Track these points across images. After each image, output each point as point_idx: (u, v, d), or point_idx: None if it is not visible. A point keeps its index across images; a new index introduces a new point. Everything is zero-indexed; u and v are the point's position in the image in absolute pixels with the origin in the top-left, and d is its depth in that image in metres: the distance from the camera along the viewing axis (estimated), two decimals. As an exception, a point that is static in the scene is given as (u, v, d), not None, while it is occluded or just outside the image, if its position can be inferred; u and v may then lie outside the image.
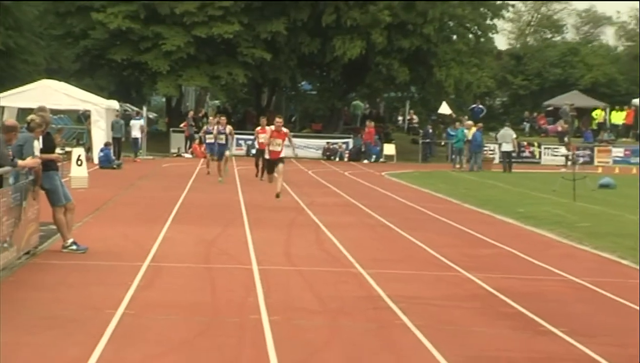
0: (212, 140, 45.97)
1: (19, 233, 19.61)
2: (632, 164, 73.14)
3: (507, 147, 65.80)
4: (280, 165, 33.86)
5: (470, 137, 65.15)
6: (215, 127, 46.35)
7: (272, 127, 34.99)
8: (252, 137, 59.51)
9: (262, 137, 45.19)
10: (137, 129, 63.52)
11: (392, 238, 26.57)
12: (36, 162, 20.46)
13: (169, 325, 14.53)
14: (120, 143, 59.96)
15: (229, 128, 46.38)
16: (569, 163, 69.45)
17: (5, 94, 57.20)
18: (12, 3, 72.39)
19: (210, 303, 16.34)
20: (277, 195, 33.62)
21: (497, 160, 68.23)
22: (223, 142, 45.49)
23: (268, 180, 35.40)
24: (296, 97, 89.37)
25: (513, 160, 65.48)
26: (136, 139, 63.16)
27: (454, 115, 73.81)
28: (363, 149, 73.85)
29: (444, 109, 77.43)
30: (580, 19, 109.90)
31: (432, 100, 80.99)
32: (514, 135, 69.05)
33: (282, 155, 34.04)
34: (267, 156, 34.79)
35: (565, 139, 76.55)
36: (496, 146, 69.44)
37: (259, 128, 47.02)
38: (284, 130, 34.29)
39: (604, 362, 13.07)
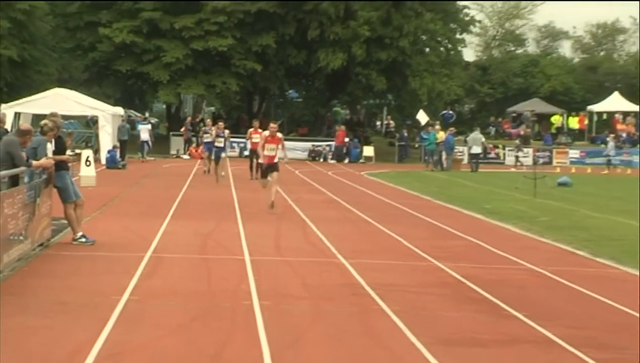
0: (210, 140, 46.10)
1: (33, 227, 19.65)
2: (587, 165, 73.23)
3: (476, 150, 65.93)
4: (275, 174, 30.82)
5: (440, 140, 65.45)
6: (214, 130, 45.95)
7: (267, 132, 31.98)
8: (244, 140, 59.62)
9: (255, 138, 44.81)
10: (145, 132, 63.59)
11: (370, 231, 26.60)
12: (49, 163, 20.53)
13: (169, 310, 14.54)
14: (126, 145, 59.92)
15: (227, 132, 46.08)
16: (518, 163, 70.00)
17: (20, 101, 57.26)
18: (27, 19, 72.34)
19: (206, 290, 16.36)
20: (272, 205, 30.18)
21: (465, 161, 68.23)
22: (221, 145, 44.83)
23: (262, 185, 32.19)
24: (284, 104, 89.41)
25: (480, 161, 65.57)
26: (144, 141, 63.21)
27: (430, 122, 73.76)
28: (345, 151, 73.94)
29: (421, 116, 77.34)
30: (540, 34, 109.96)
31: (407, 106, 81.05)
32: (483, 139, 69.27)
33: (276, 159, 31.17)
34: (261, 161, 32.22)
35: (517, 142, 76.79)
36: (465, 148, 69.41)
37: (251, 129, 46.91)
38: (279, 135, 31.73)
39: (562, 342, 13.10)
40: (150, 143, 63.69)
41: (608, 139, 75.53)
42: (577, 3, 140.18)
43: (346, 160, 71.95)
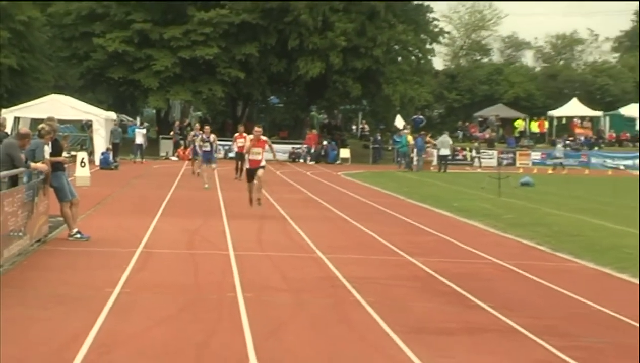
0: (208, 149, 45.67)
1: (32, 224, 19.66)
2: (548, 166, 73.40)
3: (445, 152, 66.12)
4: (260, 171, 28.92)
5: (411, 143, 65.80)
6: (200, 135, 43.99)
7: (252, 136, 29.78)
8: (229, 143, 59.71)
9: (240, 142, 45.53)
10: (140, 136, 63.64)
11: (347, 228, 26.62)
12: (46, 168, 20.53)
13: (158, 301, 14.54)
14: (118, 147, 59.89)
15: (212, 136, 42.98)
16: (475, 163, 70.16)
17: (20, 106, 57.26)
18: (26, 30, 72.33)
19: (193, 283, 16.36)
20: (258, 201, 29.08)
21: (434, 162, 68.37)
22: (208, 149, 41.98)
23: (248, 190, 29.56)
24: (266, 109, 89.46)
25: (448, 162, 65.69)
26: (140, 144, 63.25)
27: (407, 127, 73.83)
28: (323, 153, 74.00)
29: (398, 121, 77.41)
30: (504, 44, 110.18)
31: (381, 111, 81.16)
32: (451, 142, 69.49)
33: (262, 163, 29.00)
34: (247, 166, 29.85)
35: (476, 144, 76.91)
36: (434, 150, 69.52)
37: (237, 134, 47.01)
38: (263, 138, 29.41)
39: (524, 331, 13.14)
40: (144, 146, 63.76)
41: (557, 141, 75.81)
42: (538, 16, 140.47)
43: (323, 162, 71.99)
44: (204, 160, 42.27)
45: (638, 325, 13.82)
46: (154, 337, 12.14)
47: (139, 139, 63.41)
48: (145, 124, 78.33)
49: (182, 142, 70.15)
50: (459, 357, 11.63)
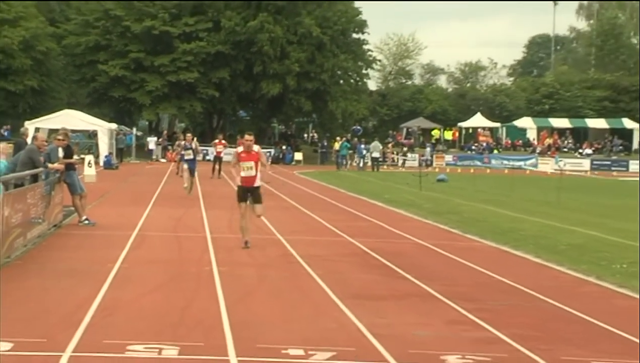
0: (191, 157, 43.75)
1: (49, 212, 19.65)
2: (458, 166, 73.78)
3: (376, 154, 66.32)
4: (259, 207, 18.47)
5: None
6: (183, 143, 35.33)
7: (240, 148, 19.09)
8: (208, 147, 59.65)
9: (219, 148, 46.33)
10: (152, 143, 63.73)
11: (300, 216, 26.61)
12: (61, 167, 20.54)
13: (150, 274, 14.48)
14: (123, 151, 60.07)
15: (194, 143, 33.55)
16: (399, 164, 70.32)
17: (39, 119, 56.96)
18: (45, 58, 72.19)
19: (178, 259, 16.31)
20: (246, 243, 18.17)
21: (369, 163, 68.56)
22: (191, 157, 32.57)
23: (240, 214, 18.39)
24: (236, 121, 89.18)
25: (380, 163, 65.86)
26: (151, 149, 63.18)
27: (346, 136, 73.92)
28: (281, 156, 73.93)
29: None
30: (423, 70, 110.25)
31: (327, 123, 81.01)
32: (381, 147, 69.74)
33: (257, 183, 18.32)
34: (239, 183, 18.37)
35: (404, 149, 77.00)
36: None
37: (216, 141, 47.34)
38: (256, 149, 18.57)
39: (440, 296, 13.17)
40: (154, 151, 63.62)
41: (427, 145, 76.12)
42: (450, 47, 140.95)
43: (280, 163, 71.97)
44: (189, 170, 32.16)
45: (531, 290, 13.90)
46: (147, 302, 12.09)
47: (152, 145, 63.54)
48: (140, 132, 77.99)
49: (169, 147, 69.96)
50: (389, 317, 11.64)
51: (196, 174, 32.78)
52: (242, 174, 18.21)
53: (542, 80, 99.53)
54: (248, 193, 18.31)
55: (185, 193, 31.08)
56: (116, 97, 74.53)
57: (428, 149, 75.08)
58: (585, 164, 77.75)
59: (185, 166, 32.22)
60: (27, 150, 19.56)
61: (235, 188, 18.71)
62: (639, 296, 13.62)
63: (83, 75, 75.53)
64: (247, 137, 19.06)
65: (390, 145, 78.59)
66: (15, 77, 70.31)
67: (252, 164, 18.26)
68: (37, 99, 72.26)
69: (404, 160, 72.97)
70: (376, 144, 68.37)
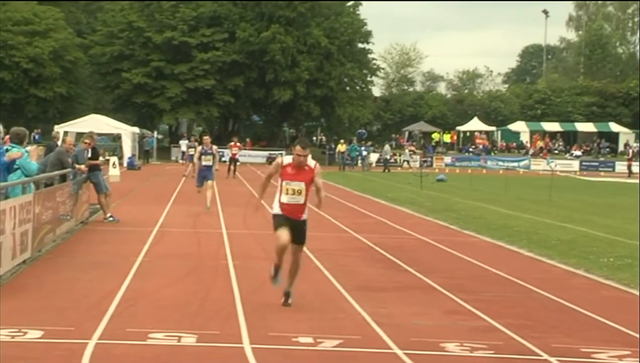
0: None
1: (77, 210, 19.73)
2: (456, 166, 73.69)
3: (387, 156, 66.35)
4: (298, 251, 11.96)
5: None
6: (201, 147, 27.16)
7: (287, 159, 12.24)
8: (223, 149, 59.55)
9: (234, 150, 46.82)
10: (184, 146, 63.71)
11: (309, 212, 26.55)
12: (85, 169, 20.63)
13: (170, 267, 14.49)
14: (149, 153, 60.56)
15: (214, 148, 26.16)
16: (406, 164, 70.29)
17: (68, 123, 56.96)
18: (73, 67, 72.52)
19: (196, 253, 16.31)
20: (286, 299, 11.51)
21: (373, 164, 68.56)
22: (209, 163, 25.57)
23: (276, 250, 11.72)
24: (249, 125, 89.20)
25: (390, 165, 65.93)
26: (184, 151, 63.20)
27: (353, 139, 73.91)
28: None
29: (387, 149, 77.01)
30: (424, 77, 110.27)
31: (334, 127, 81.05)
32: (391, 151, 70.01)
33: (304, 215, 12.35)
34: (278, 210, 12.08)
35: (406, 151, 76.83)
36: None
37: (232, 143, 47.50)
38: (311, 164, 12.10)
39: (440, 288, 13.16)
40: (186, 154, 63.42)
41: (386, 144, 75.90)
42: (449, 57, 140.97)
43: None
44: (200, 177, 25.80)
45: (524, 282, 13.88)
46: (167, 293, 12.10)
47: (184, 148, 63.64)
48: (161, 135, 78.03)
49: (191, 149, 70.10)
50: (392, 307, 11.63)
51: (214, 182, 26.22)
52: (285, 199, 12.05)
53: (535, 87, 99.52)
54: (291, 227, 11.83)
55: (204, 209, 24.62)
56: (139, 102, 74.77)
57: (406, 152, 74.50)
58: (575, 165, 77.60)
59: (199, 185, 25.53)
60: (56, 152, 19.62)
61: (257, 196, 13.34)
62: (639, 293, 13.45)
63: (108, 82, 75.81)
64: (299, 148, 11.84)
65: (409, 148, 78.27)
66: (46, 84, 70.65)
67: (302, 186, 12.10)
68: (65, 104, 72.58)
69: (407, 161, 72.85)
70: (387, 148, 68.71)
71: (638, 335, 10.29)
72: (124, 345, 9.06)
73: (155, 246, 17.13)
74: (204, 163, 25.52)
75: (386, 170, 63.30)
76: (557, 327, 10.75)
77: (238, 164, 48.87)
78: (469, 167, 72.13)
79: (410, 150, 76.15)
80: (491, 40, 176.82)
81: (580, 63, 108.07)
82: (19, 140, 14.67)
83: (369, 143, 73.35)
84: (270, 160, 72.76)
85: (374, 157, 72.08)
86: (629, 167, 70.14)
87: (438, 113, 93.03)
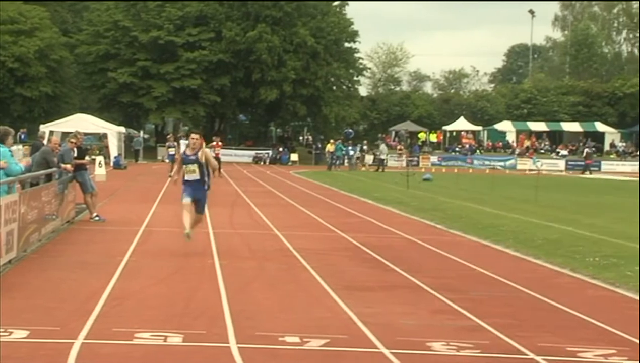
0: (173, 152, 42.04)
1: (63, 209, 19.68)
2: (442, 166, 73.77)
3: (383, 156, 66.27)
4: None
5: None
6: (183, 149, 23.88)
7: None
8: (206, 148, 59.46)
9: (217, 150, 46.89)
10: (184, 145, 63.36)
11: (296, 212, 26.58)
12: (70, 169, 20.55)
13: (156, 266, 14.46)
14: (139, 153, 61.87)
15: (205, 152, 18.85)
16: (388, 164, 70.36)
17: (54, 123, 56.82)
18: (59, 66, 72.45)
19: (183, 253, 16.26)
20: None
21: (359, 164, 68.56)
22: (195, 177, 16.44)
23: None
24: (236, 125, 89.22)
25: (385, 164, 65.87)
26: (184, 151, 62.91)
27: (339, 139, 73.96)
28: (278, 157, 73.94)
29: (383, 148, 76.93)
30: (411, 77, 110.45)
31: (321, 127, 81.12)
32: (387, 150, 69.90)
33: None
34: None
35: (382, 148, 76.85)
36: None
37: (213, 143, 47.38)
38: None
39: (426, 287, 13.17)
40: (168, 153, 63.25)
41: (381, 143, 75.92)
42: (435, 56, 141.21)
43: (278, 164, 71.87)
44: (195, 198, 16.95)
45: (510, 282, 13.90)
46: (153, 293, 12.08)
47: (183, 148, 63.36)
48: (147, 135, 77.91)
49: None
50: (379, 307, 11.63)
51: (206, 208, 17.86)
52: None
53: (521, 87, 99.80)
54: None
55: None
56: (125, 102, 74.69)
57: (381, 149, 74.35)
58: (561, 164, 77.92)
59: (188, 199, 16.62)
60: (42, 152, 19.61)
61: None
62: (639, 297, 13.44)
63: (94, 82, 75.75)
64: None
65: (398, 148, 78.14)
66: (31, 83, 70.56)
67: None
68: (51, 104, 72.47)
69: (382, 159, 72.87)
70: (383, 148, 68.59)
71: (637, 338, 10.32)
72: (110, 344, 9.04)
73: (141, 245, 17.10)
74: (186, 176, 16.59)
75: (379, 170, 63.03)
76: (543, 326, 10.77)
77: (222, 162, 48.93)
78: (455, 166, 72.25)
79: (398, 151, 76.17)
80: (477, 39, 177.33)
81: (566, 63, 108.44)
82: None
83: (351, 142, 73.26)
84: (256, 159, 72.87)
85: (368, 157, 72.12)
86: (587, 166, 69.99)
87: (424, 112, 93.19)
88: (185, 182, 16.39)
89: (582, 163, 77.31)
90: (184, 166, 16.26)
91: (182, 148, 56.60)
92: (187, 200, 16.27)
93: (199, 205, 16.57)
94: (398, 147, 78.55)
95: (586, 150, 76.38)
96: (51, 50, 71.35)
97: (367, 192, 35.65)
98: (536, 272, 15.50)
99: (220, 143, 50.13)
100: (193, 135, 16.52)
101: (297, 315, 10.83)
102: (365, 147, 74.72)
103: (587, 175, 61.67)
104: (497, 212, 27.44)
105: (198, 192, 16.36)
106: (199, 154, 16.12)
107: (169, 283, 12.96)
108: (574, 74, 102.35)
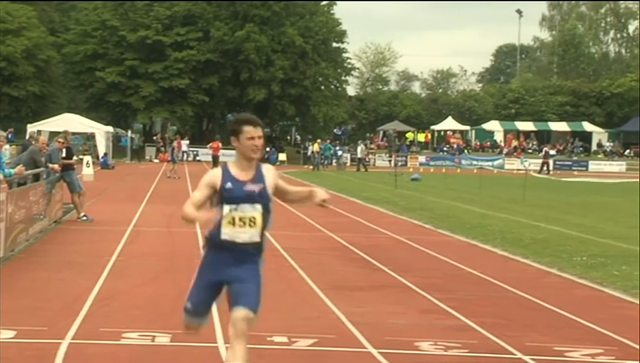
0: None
1: (50, 209, 19.62)
2: (430, 166, 73.83)
3: (361, 155, 66.33)
4: None
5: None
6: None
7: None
8: (198, 148, 59.52)
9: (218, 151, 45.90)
10: (185, 146, 63.45)
11: (284, 212, 26.47)
12: (58, 168, 20.52)
13: (144, 266, 14.44)
14: (137, 152, 63.21)
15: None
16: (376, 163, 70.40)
17: (41, 122, 56.95)
18: (46, 66, 72.36)
19: (170, 252, 16.26)
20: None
21: (348, 164, 68.62)
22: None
23: None
24: (224, 125, 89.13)
25: (367, 163, 65.98)
26: (184, 151, 63.01)
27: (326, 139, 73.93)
28: (266, 156, 73.88)
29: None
30: (399, 76, 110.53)
31: (309, 126, 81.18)
32: (366, 149, 69.97)
33: None
34: None
35: (360, 148, 76.95)
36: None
37: (212, 143, 47.45)
38: None
39: (414, 287, 13.17)
40: (185, 154, 62.86)
41: (360, 143, 75.87)
42: (423, 56, 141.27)
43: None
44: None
45: (498, 281, 13.93)
46: (141, 293, 12.06)
47: (184, 148, 63.38)
48: (135, 134, 77.83)
49: (162, 148, 69.84)
50: (367, 306, 11.64)
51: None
52: None
53: (509, 87, 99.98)
54: None
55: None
56: (112, 101, 74.58)
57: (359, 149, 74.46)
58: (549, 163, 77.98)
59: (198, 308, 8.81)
60: (29, 151, 19.60)
61: None
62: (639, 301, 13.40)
63: (82, 81, 75.63)
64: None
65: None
66: (19, 83, 70.43)
67: None
68: (38, 103, 72.37)
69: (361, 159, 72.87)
70: (362, 147, 68.70)
71: (624, 338, 10.35)
72: (98, 344, 9.02)
73: (129, 245, 17.06)
74: (225, 234, 7.93)
75: (361, 169, 63.29)
76: (531, 325, 10.79)
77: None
78: (443, 166, 72.27)
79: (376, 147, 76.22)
80: (465, 39, 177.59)
81: (554, 62, 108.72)
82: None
83: (339, 142, 73.30)
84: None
85: (346, 155, 72.12)
86: (544, 164, 69.66)
87: (412, 112, 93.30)
88: (217, 249, 7.78)
89: (570, 162, 77.58)
90: (227, 208, 7.54)
91: (183, 148, 56.60)
92: (196, 309, 8.03)
93: (242, 295, 7.71)
94: (378, 144, 78.45)
95: (545, 149, 76.13)
96: (39, 50, 71.24)
97: (355, 192, 35.65)
98: (524, 271, 15.53)
99: (220, 144, 50.08)
100: (252, 130, 7.53)
101: (285, 315, 10.82)
102: (345, 147, 74.47)
103: (543, 175, 61.44)
104: (485, 211, 27.47)
105: (243, 268, 7.75)
106: (269, 179, 7.44)
107: (156, 283, 12.94)
108: (562, 74, 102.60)
